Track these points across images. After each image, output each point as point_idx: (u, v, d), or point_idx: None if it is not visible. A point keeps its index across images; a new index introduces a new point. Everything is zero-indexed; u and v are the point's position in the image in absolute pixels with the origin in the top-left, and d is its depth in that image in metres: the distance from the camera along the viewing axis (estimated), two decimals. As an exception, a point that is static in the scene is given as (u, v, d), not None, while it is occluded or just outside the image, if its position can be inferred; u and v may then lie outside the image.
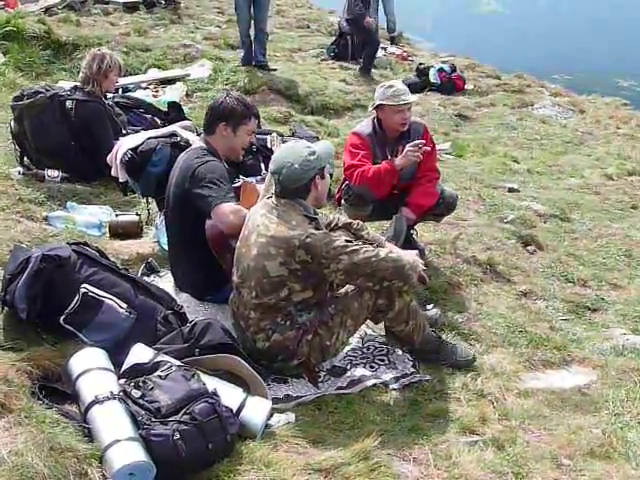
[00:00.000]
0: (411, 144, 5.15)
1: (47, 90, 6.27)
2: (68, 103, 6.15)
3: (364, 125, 5.48)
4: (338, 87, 11.43)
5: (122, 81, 9.32)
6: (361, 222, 4.46)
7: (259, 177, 5.90)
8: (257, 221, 3.92)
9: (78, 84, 6.37)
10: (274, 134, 6.41)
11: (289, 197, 3.92)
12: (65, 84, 7.40)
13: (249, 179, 4.97)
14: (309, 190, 3.96)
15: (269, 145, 6.26)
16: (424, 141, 5.21)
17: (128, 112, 6.92)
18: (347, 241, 3.85)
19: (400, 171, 5.20)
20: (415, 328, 4.15)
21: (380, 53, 13.72)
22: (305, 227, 3.81)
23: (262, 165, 6.16)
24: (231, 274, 4.11)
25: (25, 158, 6.27)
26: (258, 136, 6.28)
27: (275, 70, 11.05)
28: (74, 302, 3.68)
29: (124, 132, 6.17)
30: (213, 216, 4.16)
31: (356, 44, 12.99)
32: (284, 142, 5.12)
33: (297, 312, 3.93)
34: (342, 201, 5.46)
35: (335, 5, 18.71)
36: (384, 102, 5.23)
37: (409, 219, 5.30)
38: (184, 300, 4.42)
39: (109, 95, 6.69)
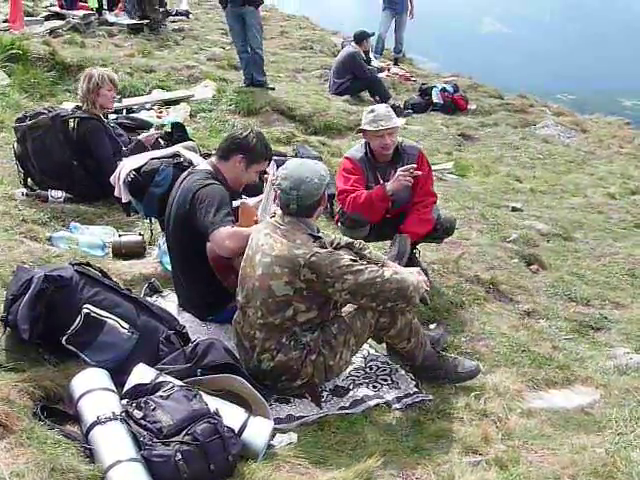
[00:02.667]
0: (402, 168, 5.12)
1: (49, 111, 6.30)
2: (71, 122, 6.19)
3: (356, 149, 5.47)
4: (341, 107, 11.45)
5: (126, 102, 9.40)
6: (363, 242, 4.39)
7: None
8: (261, 241, 3.92)
9: (80, 104, 6.41)
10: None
11: (300, 215, 3.92)
12: (69, 105, 7.43)
13: (252, 199, 4.97)
14: (319, 205, 3.99)
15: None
16: (415, 165, 5.16)
17: (132, 133, 6.94)
18: (352, 260, 3.84)
19: (391, 196, 5.18)
20: (417, 345, 4.15)
21: (383, 74, 13.80)
22: (310, 246, 3.80)
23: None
24: (235, 294, 4.12)
25: (28, 179, 6.30)
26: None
27: (273, 89, 11.09)
28: (76, 322, 3.67)
29: (125, 151, 6.19)
30: (211, 240, 4.18)
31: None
32: (277, 163, 5.12)
33: (302, 332, 3.92)
34: (339, 224, 5.46)
35: (339, 27, 18.88)
36: (365, 127, 5.25)
37: None
38: (186, 320, 4.43)
39: (112, 116, 6.71)
